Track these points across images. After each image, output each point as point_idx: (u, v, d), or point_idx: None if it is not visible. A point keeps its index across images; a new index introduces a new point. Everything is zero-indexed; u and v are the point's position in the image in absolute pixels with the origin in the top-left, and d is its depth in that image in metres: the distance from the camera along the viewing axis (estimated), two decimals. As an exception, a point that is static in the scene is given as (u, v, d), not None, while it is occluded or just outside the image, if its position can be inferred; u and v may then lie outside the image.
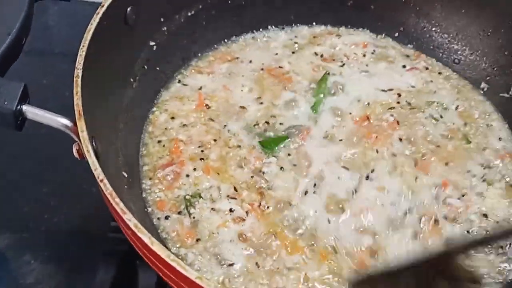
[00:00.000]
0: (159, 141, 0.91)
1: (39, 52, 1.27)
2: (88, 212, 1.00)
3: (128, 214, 0.57)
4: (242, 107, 0.96)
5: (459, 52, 1.09)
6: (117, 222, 0.63)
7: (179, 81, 1.00)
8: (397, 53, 1.09)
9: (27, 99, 0.67)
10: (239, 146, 0.90)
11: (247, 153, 0.89)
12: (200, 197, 0.83)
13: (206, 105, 0.96)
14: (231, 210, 0.82)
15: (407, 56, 1.08)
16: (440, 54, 1.09)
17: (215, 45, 1.07)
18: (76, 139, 0.67)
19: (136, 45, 0.94)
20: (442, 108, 0.99)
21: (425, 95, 1.01)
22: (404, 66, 1.06)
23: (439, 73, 1.06)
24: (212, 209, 0.82)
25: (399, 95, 1.00)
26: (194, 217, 0.81)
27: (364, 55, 1.07)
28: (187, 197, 0.83)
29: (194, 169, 0.86)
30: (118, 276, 0.87)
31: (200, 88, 0.99)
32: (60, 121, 0.67)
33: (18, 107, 0.65)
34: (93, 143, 0.67)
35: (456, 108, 0.99)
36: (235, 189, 0.84)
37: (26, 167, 1.05)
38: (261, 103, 0.97)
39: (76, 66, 0.71)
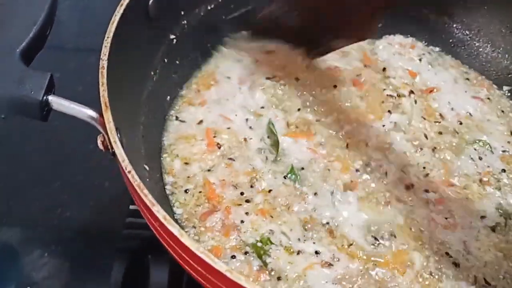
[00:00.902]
0: (186, 191, 0.85)
1: (50, 47, 1.26)
2: (100, 207, 0.99)
3: (157, 205, 0.56)
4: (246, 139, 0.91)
5: (480, 49, 1.08)
6: (143, 215, 0.62)
7: (176, 118, 0.95)
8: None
9: (53, 89, 0.66)
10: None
11: (286, 190, 0.85)
12: (271, 242, 0.78)
13: (217, 143, 0.90)
14: (316, 253, 0.79)
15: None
16: (461, 51, 1.08)
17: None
18: (102, 131, 0.67)
19: (157, 38, 0.93)
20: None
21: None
22: None
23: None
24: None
25: None
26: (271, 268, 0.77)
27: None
28: (258, 243, 0.78)
29: (247, 213, 0.82)
30: (130, 272, 0.87)
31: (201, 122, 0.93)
32: (87, 112, 0.66)
33: (45, 98, 0.64)
34: (118, 135, 0.66)
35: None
36: (305, 228, 0.81)
37: (38, 162, 1.04)
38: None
39: (101, 57, 0.70)
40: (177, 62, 0.98)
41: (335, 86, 0.98)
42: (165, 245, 0.61)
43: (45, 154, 1.05)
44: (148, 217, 0.60)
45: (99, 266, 0.89)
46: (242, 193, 0.84)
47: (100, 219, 0.97)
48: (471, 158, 0.92)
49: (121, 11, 0.77)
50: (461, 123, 0.97)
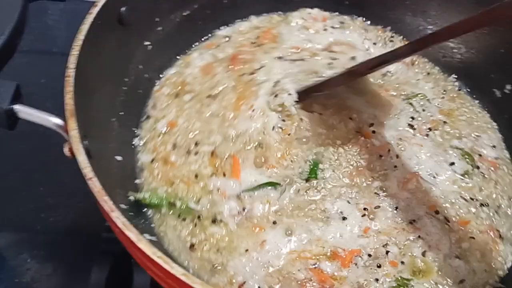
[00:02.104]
0: None
1: (38, 52, 1.27)
2: (84, 211, 1.00)
3: (116, 211, 0.58)
4: None
5: (454, 50, 1.08)
6: (107, 220, 0.64)
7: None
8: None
9: (20, 98, 0.68)
10: None
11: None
12: None
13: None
14: None
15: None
16: (436, 53, 1.09)
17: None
18: (67, 138, 0.68)
19: (131, 45, 0.94)
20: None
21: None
22: None
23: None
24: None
25: None
26: None
27: None
28: None
29: None
30: (113, 275, 0.88)
31: None
32: (52, 121, 0.68)
33: (10, 107, 0.66)
34: (85, 142, 0.67)
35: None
36: None
37: (23, 167, 1.05)
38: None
39: (67, 65, 0.72)
40: (153, 67, 0.99)
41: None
42: (127, 248, 0.62)
43: (30, 158, 1.06)
44: (110, 223, 0.61)
45: (84, 269, 0.90)
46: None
47: (84, 223, 0.99)
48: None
49: (90, 19, 0.78)
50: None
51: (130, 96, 0.93)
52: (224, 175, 0.84)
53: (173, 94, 0.97)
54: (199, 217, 0.79)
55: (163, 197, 0.82)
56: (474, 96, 1.05)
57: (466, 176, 0.90)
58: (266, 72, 0.96)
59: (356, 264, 0.77)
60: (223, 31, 1.09)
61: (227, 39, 1.07)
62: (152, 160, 0.89)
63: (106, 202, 0.58)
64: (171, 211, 0.80)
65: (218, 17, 1.08)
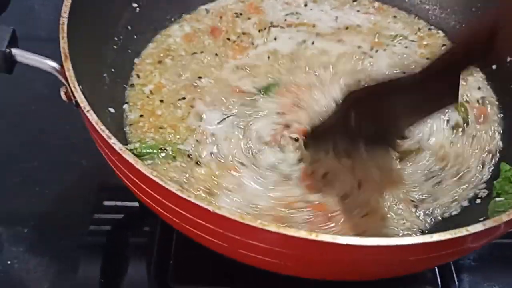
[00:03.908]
0: None
1: (24, 37, 1.27)
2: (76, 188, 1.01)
3: (114, 139, 0.62)
4: None
5: (430, 12, 1.14)
6: (103, 152, 0.67)
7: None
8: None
9: (16, 43, 0.71)
10: None
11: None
12: None
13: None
14: None
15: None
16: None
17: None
18: (64, 81, 0.71)
19: (119, 5, 0.98)
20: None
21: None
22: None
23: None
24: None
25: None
26: None
27: None
28: None
29: None
30: (106, 266, 0.88)
31: None
32: (48, 63, 0.71)
33: (8, 50, 0.69)
34: (80, 87, 0.71)
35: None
36: None
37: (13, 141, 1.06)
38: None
39: (61, 14, 0.76)
40: (141, 30, 1.03)
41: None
42: (123, 178, 0.66)
43: (23, 132, 1.07)
44: (106, 152, 0.65)
45: (76, 243, 0.90)
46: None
47: (77, 197, 0.99)
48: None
49: (81, -27, 0.82)
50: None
51: (120, 55, 0.96)
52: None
53: (156, 62, 1.00)
54: (189, 156, 0.84)
55: (153, 145, 0.86)
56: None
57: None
58: None
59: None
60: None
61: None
62: (141, 116, 0.92)
63: (103, 131, 0.62)
64: (162, 156, 0.84)
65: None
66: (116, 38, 0.97)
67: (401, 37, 1.07)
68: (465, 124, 0.94)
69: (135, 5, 1.02)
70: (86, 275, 0.86)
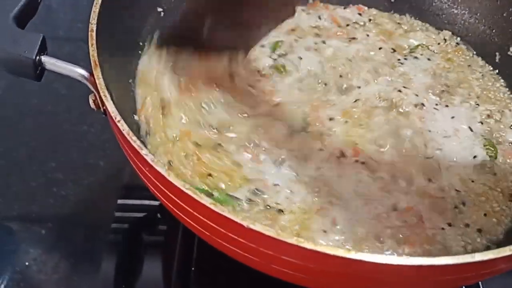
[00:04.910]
0: None
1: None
2: (94, 189, 1.00)
3: (145, 149, 0.60)
4: None
5: (458, 17, 1.12)
6: (133, 163, 0.66)
7: None
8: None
9: (46, 50, 0.70)
10: None
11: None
12: None
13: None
14: None
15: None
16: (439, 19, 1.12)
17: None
18: (93, 89, 0.71)
19: (145, 10, 0.97)
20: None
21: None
22: None
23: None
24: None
25: None
26: None
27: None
28: None
29: None
30: (122, 265, 0.88)
31: None
32: (78, 71, 0.70)
33: (38, 57, 0.68)
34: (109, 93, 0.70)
35: None
36: None
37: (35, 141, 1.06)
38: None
39: (90, 21, 0.75)
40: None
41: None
42: (153, 189, 0.65)
43: (42, 133, 1.07)
44: (137, 163, 0.64)
45: (94, 245, 0.91)
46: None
47: (95, 198, 0.98)
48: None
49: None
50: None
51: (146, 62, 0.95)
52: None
53: None
54: None
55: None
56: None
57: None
58: None
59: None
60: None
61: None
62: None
63: (135, 142, 0.61)
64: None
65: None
66: (141, 43, 0.96)
67: None
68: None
69: (159, 9, 1.01)
70: (102, 277, 0.86)
